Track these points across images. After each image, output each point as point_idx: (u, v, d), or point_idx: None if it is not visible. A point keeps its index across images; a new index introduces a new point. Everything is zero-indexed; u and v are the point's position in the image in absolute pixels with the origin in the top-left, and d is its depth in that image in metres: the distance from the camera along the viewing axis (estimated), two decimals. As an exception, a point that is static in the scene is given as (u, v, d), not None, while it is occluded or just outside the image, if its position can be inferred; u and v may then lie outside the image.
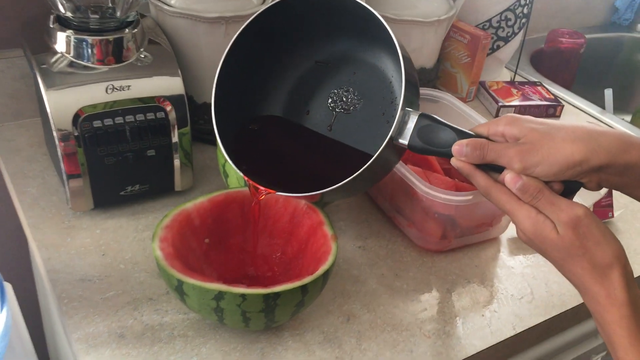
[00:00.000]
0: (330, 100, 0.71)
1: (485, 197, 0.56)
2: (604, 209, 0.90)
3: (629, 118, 1.52)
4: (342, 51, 0.71)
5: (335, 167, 0.67)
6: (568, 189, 0.54)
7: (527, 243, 0.54)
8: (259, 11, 0.64)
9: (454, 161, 0.56)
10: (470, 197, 0.73)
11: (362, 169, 0.56)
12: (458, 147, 0.55)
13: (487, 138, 0.56)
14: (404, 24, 1.05)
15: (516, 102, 1.18)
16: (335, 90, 0.71)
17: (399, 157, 0.63)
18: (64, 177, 0.75)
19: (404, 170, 0.77)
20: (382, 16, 0.56)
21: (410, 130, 0.57)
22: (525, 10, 1.18)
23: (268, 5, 0.64)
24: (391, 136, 0.56)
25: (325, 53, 0.71)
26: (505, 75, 1.32)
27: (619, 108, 1.57)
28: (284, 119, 0.72)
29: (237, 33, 0.65)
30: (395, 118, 0.56)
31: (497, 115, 1.17)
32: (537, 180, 0.52)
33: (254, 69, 0.70)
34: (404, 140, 0.57)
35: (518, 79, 1.31)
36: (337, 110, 0.70)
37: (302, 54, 0.71)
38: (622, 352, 0.49)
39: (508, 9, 1.16)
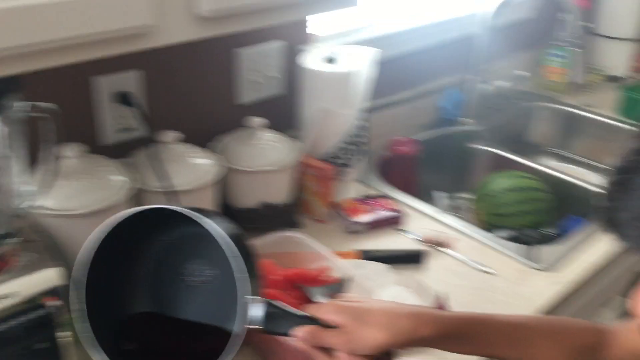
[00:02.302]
0: (185, 276, 0.80)
1: None
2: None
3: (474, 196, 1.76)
4: (187, 232, 0.79)
5: (207, 347, 0.78)
6: (386, 355, 0.71)
7: None
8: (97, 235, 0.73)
9: (297, 342, 0.70)
10: None
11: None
12: (299, 333, 0.70)
13: (322, 322, 0.71)
14: (259, 174, 1.20)
15: (365, 218, 1.36)
16: (188, 266, 0.80)
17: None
18: None
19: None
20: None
21: (259, 315, 0.70)
22: (362, 140, 1.39)
23: (102, 227, 0.73)
24: (242, 324, 0.69)
25: (173, 235, 0.81)
26: (360, 189, 1.50)
27: (464, 189, 1.83)
28: (152, 313, 0.82)
29: (83, 249, 0.73)
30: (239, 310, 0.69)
31: (351, 231, 1.35)
32: (362, 358, 0.68)
33: (112, 268, 0.78)
34: (254, 325, 0.71)
35: (371, 191, 1.50)
36: (192, 285, 0.80)
37: (154, 241, 0.80)
38: None
39: (345, 143, 1.36)
